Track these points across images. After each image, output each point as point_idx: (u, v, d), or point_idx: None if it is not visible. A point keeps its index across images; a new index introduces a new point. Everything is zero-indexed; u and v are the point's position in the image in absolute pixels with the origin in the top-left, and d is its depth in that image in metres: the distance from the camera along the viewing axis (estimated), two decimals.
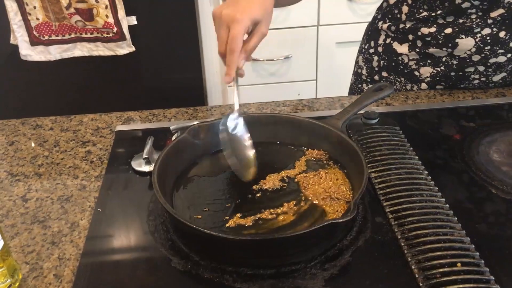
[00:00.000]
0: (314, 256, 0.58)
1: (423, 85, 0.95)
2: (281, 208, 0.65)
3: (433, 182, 0.69)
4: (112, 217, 0.66)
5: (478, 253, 0.57)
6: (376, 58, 1.01)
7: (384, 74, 1.00)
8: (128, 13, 1.76)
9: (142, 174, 0.73)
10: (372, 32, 1.03)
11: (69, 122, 0.89)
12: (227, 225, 0.62)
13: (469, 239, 0.59)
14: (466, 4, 0.84)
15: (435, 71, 0.93)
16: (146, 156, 0.73)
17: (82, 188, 0.72)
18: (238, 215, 0.64)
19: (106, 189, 0.71)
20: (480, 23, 0.86)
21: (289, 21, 1.93)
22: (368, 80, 1.04)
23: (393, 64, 0.97)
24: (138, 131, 0.84)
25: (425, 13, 0.89)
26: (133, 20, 1.78)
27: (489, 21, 0.85)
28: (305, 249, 0.59)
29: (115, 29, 1.75)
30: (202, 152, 0.75)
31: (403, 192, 0.67)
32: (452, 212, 0.63)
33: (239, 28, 0.68)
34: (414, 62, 0.94)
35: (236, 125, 0.71)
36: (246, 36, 0.71)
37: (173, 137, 0.76)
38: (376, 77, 1.02)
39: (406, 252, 0.58)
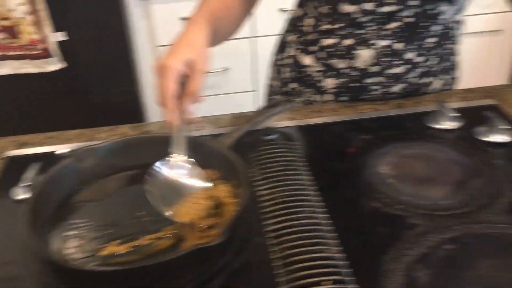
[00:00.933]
0: (187, 281, 0.57)
1: (328, 96, 0.96)
2: (161, 233, 0.63)
3: (320, 198, 0.69)
4: None
5: (351, 270, 0.57)
6: (286, 69, 1.02)
7: (294, 85, 1.01)
8: (58, 29, 1.73)
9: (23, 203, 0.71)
10: (281, 43, 1.04)
11: None
12: (101, 253, 0.60)
13: (344, 255, 0.59)
14: (363, 18, 0.87)
15: (338, 82, 0.95)
16: (30, 183, 0.71)
17: None
18: (116, 242, 0.62)
19: None
20: (376, 35, 0.88)
21: None
22: (280, 91, 1.05)
23: (301, 75, 0.99)
24: (29, 157, 0.82)
25: (327, 26, 0.91)
26: (62, 36, 1.75)
27: (385, 33, 0.87)
28: (176, 276, 0.57)
29: (41, 46, 1.71)
30: (89, 178, 0.73)
31: (286, 209, 0.67)
32: (333, 228, 0.63)
33: (167, 75, 0.67)
34: (319, 73, 0.96)
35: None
36: None
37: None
38: (287, 88, 1.03)
39: (278, 272, 0.58)
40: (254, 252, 0.61)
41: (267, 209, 0.67)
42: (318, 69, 0.96)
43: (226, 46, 0.94)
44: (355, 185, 0.73)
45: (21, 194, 0.71)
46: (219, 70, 2.09)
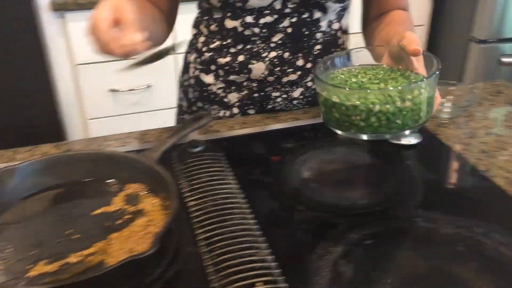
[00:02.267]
0: None
1: (235, 110, 1.01)
2: (91, 249, 0.63)
3: (248, 205, 0.71)
4: None
5: (280, 270, 0.60)
6: (191, 90, 1.06)
7: (200, 104, 1.05)
8: None
9: None
10: (185, 64, 1.08)
11: None
12: (28, 274, 0.59)
13: (274, 257, 0.62)
14: (248, 32, 0.92)
15: (240, 95, 0.99)
16: None
17: None
18: (43, 262, 0.61)
19: None
20: (265, 47, 0.94)
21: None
22: (188, 111, 1.08)
23: (205, 94, 1.03)
24: None
25: (218, 43, 0.95)
26: None
27: (272, 45, 0.94)
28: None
29: None
30: (10, 199, 0.70)
31: (217, 218, 0.68)
32: (260, 232, 0.66)
33: (99, 24, 0.68)
34: (221, 90, 1.00)
35: None
36: None
37: None
38: (194, 108, 1.07)
39: (212, 278, 0.59)
40: (187, 261, 0.62)
41: (198, 219, 0.68)
42: (219, 86, 1.00)
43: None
44: (281, 190, 0.77)
45: None
46: (143, 87, 2.07)
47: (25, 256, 0.62)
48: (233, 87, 0.99)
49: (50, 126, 1.96)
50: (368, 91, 0.69)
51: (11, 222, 0.68)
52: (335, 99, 0.69)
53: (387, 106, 0.67)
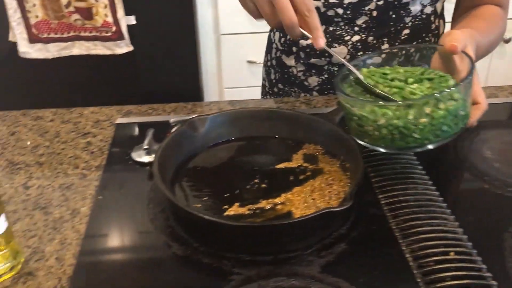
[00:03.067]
0: (310, 244, 0.60)
1: (315, 94, 0.98)
2: (279, 198, 0.66)
3: (428, 177, 0.70)
4: (112, 205, 0.67)
5: (470, 243, 0.59)
6: (272, 71, 1.04)
7: (280, 86, 1.03)
8: (127, 13, 1.78)
9: (142, 164, 0.75)
10: (268, 44, 1.06)
11: (70, 114, 0.90)
12: (226, 213, 0.63)
13: (462, 229, 0.61)
14: (331, 12, 0.87)
15: (320, 79, 0.96)
16: (147, 147, 0.75)
17: (82, 177, 0.73)
18: (237, 204, 0.65)
19: (106, 178, 0.72)
20: (348, 30, 0.89)
21: None
22: (270, 92, 1.07)
23: (286, 76, 1.01)
24: (138, 124, 0.86)
25: None
26: (132, 20, 1.80)
27: (356, 28, 0.88)
28: (301, 237, 0.60)
29: (113, 28, 1.76)
30: (201, 145, 0.76)
31: (399, 185, 0.68)
32: (445, 204, 0.65)
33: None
34: (302, 73, 0.97)
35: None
36: None
37: (173, 130, 0.78)
38: (276, 89, 1.05)
39: (400, 241, 0.60)
40: (372, 222, 0.63)
41: (378, 184, 0.69)
42: (300, 68, 0.97)
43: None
44: (461, 168, 0.74)
45: (142, 156, 0.75)
46: None
47: (220, 197, 0.67)
48: (313, 71, 0.96)
49: (189, 91, 2.07)
50: (368, 103, 0.63)
51: (203, 166, 0.73)
52: (346, 104, 0.65)
53: (395, 121, 0.60)
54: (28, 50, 1.79)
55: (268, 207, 0.65)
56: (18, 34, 1.75)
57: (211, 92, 2.18)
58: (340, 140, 0.73)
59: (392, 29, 0.89)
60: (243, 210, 0.64)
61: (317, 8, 0.88)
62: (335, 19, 0.88)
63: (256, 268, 0.57)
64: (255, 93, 2.19)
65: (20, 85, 1.91)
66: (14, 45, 1.78)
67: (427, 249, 0.58)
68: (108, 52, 1.83)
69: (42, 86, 1.90)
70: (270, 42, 1.05)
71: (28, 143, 0.81)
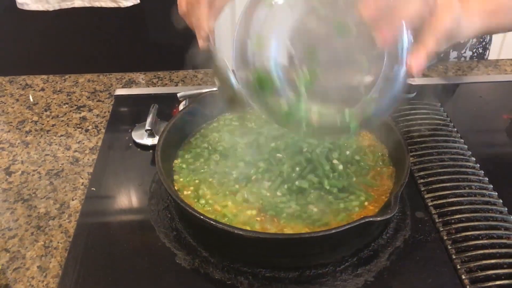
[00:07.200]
0: (344, 257, 0.49)
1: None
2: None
3: (483, 171, 0.59)
4: (108, 199, 0.57)
5: None
6: None
7: None
8: None
9: (144, 147, 0.64)
10: None
11: (63, 82, 0.78)
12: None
13: None
14: None
15: None
16: (149, 128, 0.63)
17: (74, 162, 0.62)
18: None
19: (102, 164, 0.61)
20: None
21: None
22: None
23: None
24: (141, 96, 0.74)
25: None
26: None
27: None
28: (333, 249, 0.50)
29: None
30: (212, 121, 0.64)
31: (448, 182, 0.57)
32: (506, 209, 0.54)
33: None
34: None
35: None
36: None
37: (180, 106, 0.67)
38: None
39: (454, 257, 0.49)
40: (418, 230, 0.52)
41: (422, 180, 0.58)
42: None
43: None
44: None
45: (144, 138, 0.64)
46: None
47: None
48: None
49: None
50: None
51: (211, 145, 0.62)
52: None
53: None
54: (26, 1, 1.65)
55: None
56: None
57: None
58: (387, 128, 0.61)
59: None
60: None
61: None
62: None
63: (278, 287, 0.47)
64: None
65: (16, 40, 1.78)
66: None
67: (487, 269, 0.48)
68: (112, 5, 1.67)
69: (40, 42, 1.76)
70: None
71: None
